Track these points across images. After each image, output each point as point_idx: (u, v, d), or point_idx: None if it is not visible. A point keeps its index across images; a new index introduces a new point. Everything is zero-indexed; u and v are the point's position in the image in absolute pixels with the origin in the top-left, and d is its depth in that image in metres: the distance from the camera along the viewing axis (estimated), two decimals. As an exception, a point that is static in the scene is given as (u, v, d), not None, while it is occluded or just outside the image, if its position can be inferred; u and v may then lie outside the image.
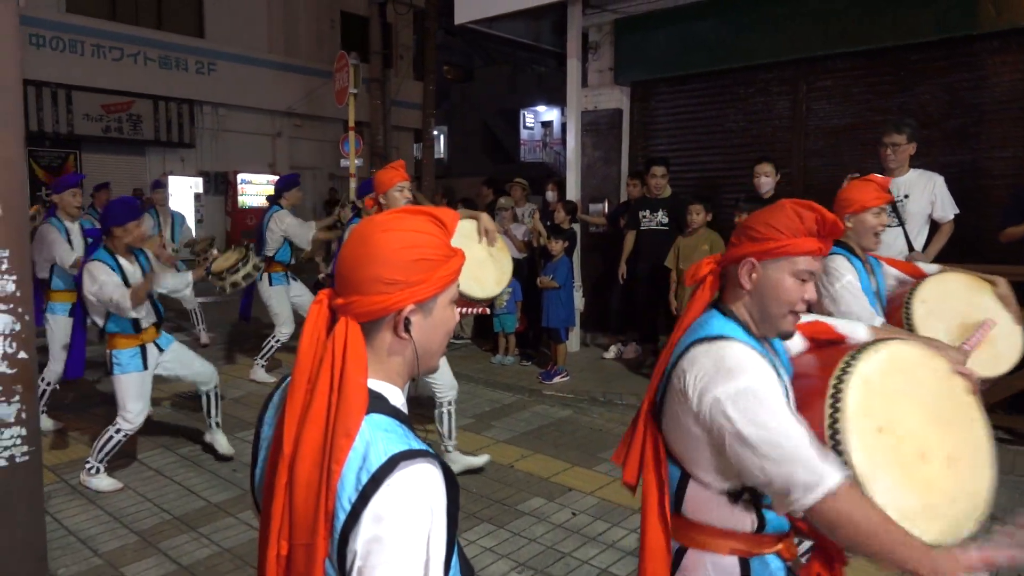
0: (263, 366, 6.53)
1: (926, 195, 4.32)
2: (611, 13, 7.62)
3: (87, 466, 4.24)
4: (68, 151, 15.34)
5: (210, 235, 7.75)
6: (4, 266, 1.75)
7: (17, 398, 1.80)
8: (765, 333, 1.60)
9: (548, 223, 6.79)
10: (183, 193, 15.30)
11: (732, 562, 1.57)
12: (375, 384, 1.11)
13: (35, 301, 4.25)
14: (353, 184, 8.79)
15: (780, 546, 1.60)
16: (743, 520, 1.55)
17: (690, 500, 1.59)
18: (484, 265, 3.77)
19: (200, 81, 16.41)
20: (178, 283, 4.39)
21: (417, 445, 1.04)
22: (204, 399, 4.63)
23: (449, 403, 4.32)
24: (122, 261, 4.14)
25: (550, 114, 26.05)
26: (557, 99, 20.95)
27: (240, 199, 16.87)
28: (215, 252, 4.89)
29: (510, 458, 4.73)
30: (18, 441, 1.80)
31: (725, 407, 1.43)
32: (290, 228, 6.26)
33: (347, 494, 0.99)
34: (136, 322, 4.16)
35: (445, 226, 1.16)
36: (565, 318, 6.45)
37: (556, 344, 6.45)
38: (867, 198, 2.73)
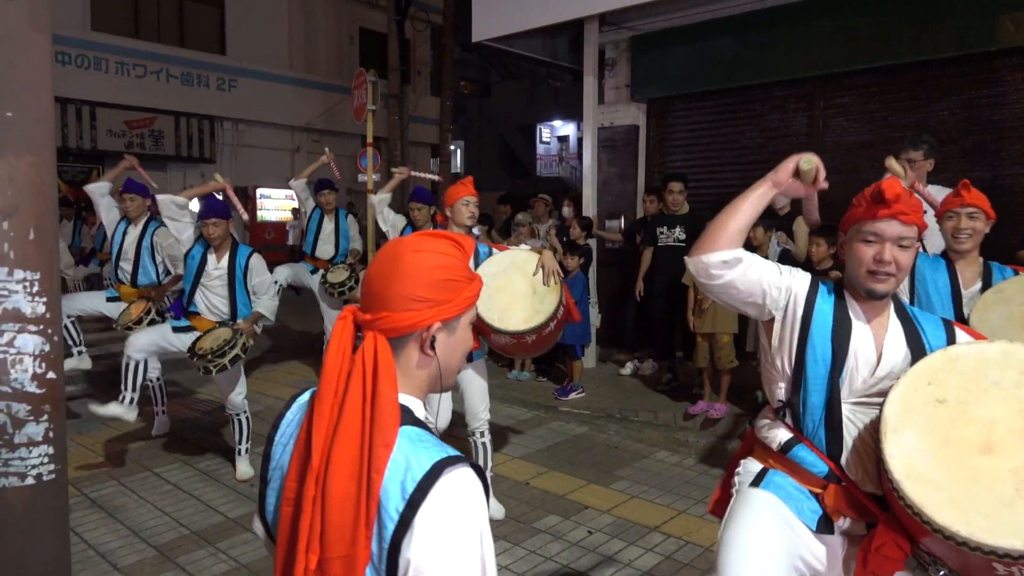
0: None
1: None
2: (627, 30, 7.66)
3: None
4: (91, 166, 15.60)
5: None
6: (35, 288, 1.80)
7: (45, 417, 1.84)
8: (860, 294, 1.82)
9: (564, 239, 6.81)
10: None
11: (757, 467, 1.93)
12: (401, 397, 1.14)
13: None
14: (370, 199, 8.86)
15: (819, 489, 1.81)
16: (774, 437, 1.89)
17: (759, 426, 1.98)
18: (521, 299, 3.66)
19: (221, 97, 16.66)
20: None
21: (453, 452, 1.08)
22: (233, 423, 4.72)
23: (482, 434, 4.05)
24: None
25: (566, 129, 26.11)
26: (573, 114, 21.02)
27: (259, 213, 17.05)
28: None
29: (526, 475, 4.73)
30: (45, 459, 1.84)
31: None
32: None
33: (393, 504, 1.02)
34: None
35: (465, 250, 1.21)
36: (581, 334, 6.45)
37: (572, 360, 6.45)
38: (944, 203, 2.95)
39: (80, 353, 5.72)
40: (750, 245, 5.56)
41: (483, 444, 4.05)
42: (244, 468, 4.67)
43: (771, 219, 5.53)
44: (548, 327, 3.64)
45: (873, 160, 6.24)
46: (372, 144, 8.91)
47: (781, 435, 1.88)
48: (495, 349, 4.13)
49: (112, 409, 4.55)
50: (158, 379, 5.46)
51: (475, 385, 3.98)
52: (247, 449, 4.71)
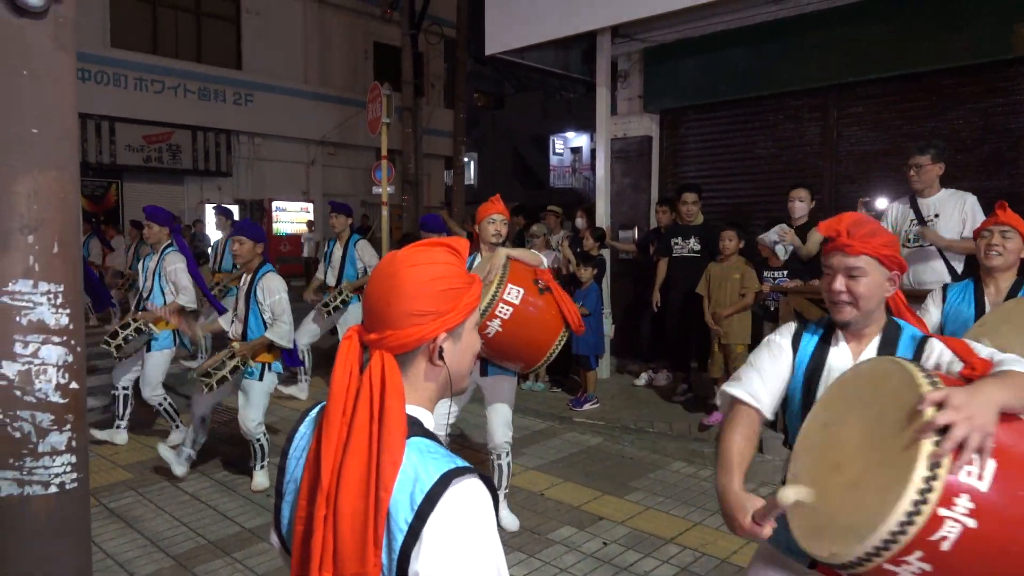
0: None
1: (957, 213, 4.30)
2: (640, 42, 7.70)
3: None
4: (110, 180, 15.85)
5: None
6: (59, 300, 1.83)
7: (68, 427, 1.87)
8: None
9: (577, 250, 6.82)
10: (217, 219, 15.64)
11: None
12: (410, 409, 1.14)
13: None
14: (385, 212, 8.94)
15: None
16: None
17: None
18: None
19: (237, 112, 16.88)
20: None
21: (462, 463, 1.08)
22: (251, 445, 4.75)
23: (499, 456, 4.06)
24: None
25: (579, 140, 26.21)
26: (586, 125, 21.08)
27: (275, 226, 17.22)
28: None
29: (540, 486, 4.72)
30: (68, 468, 1.87)
31: None
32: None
33: (402, 515, 1.03)
34: None
35: (460, 255, 1.22)
36: (595, 345, 6.45)
37: (586, 371, 6.45)
38: (982, 222, 3.09)
39: (119, 428, 5.54)
40: (759, 256, 5.55)
41: (499, 466, 4.07)
42: (260, 479, 4.70)
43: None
44: (486, 327, 3.52)
45: (888, 170, 6.23)
46: (386, 157, 8.99)
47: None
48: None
49: (166, 453, 4.70)
50: (165, 398, 5.45)
51: (498, 412, 4.02)
52: (264, 465, 4.75)
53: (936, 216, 4.32)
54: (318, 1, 18.21)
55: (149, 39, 15.88)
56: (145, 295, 5.41)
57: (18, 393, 1.81)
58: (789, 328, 1.99)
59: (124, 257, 10.60)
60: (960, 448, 1.28)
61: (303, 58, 18.15)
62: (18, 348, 1.81)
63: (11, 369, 1.81)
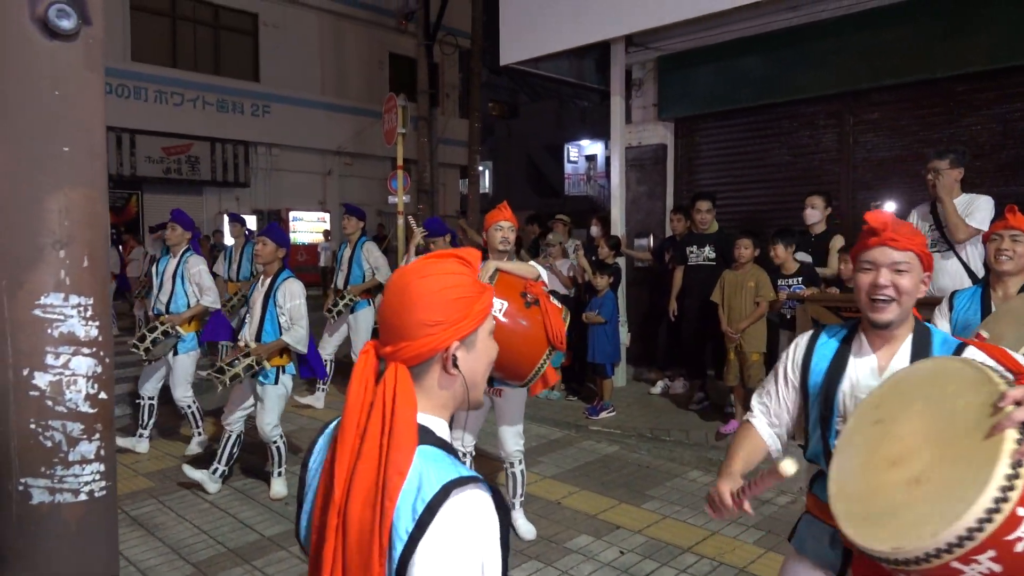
0: None
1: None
2: (654, 50, 7.72)
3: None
4: (130, 192, 16.07)
5: None
6: (88, 313, 1.89)
7: (97, 436, 1.92)
8: (868, 324, 1.84)
9: (593, 258, 6.83)
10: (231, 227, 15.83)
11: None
12: (421, 418, 1.16)
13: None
14: (401, 220, 9.00)
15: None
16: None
17: None
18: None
19: (255, 123, 17.07)
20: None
21: (466, 472, 1.09)
22: (268, 449, 4.80)
23: (511, 464, 4.08)
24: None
25: (594, 148, 26.23)
26: (601, 133, 21.11)
27: (292, 236, 17.36)
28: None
29: (557, 494, 4.73)
30: (97, 476, 1.92)
31: None
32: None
33: (404, 525, 1.04)
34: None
35: (471, 264, 1.24)
36: (611, 353, 6.45)
37: (602, 379, 6.45)
38: (992, 226, 3.07)
39: (141, 436, 5.60)
40: (772, 264, 5.52)
41: (512, 474, 4.09)
42: (278, 487, 4.75)
43: (786, 236, 5.51)
44: None
45: (905, 176, 6.20)
46: (402, 167, 9.05)
47: (810, 472, 1.99)
48: None
49: (197, 475, 4.70)
50: (194, 402, 5.59)
51: (508, 422, 4.04)
52: (282, 472, 4.79)
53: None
54: (334, 13, 18.39)
55: (168, 53, 16.12)
56: (165, 299, 5.48)
57: (50, 403, 1.86)
58: (800, 349, 1.96)
59: (141, 266, 10.76)
60: None
61: (319, 69, 18.34)
62: (50, 359, 1.86)
63: (43, 380, 1.86)
